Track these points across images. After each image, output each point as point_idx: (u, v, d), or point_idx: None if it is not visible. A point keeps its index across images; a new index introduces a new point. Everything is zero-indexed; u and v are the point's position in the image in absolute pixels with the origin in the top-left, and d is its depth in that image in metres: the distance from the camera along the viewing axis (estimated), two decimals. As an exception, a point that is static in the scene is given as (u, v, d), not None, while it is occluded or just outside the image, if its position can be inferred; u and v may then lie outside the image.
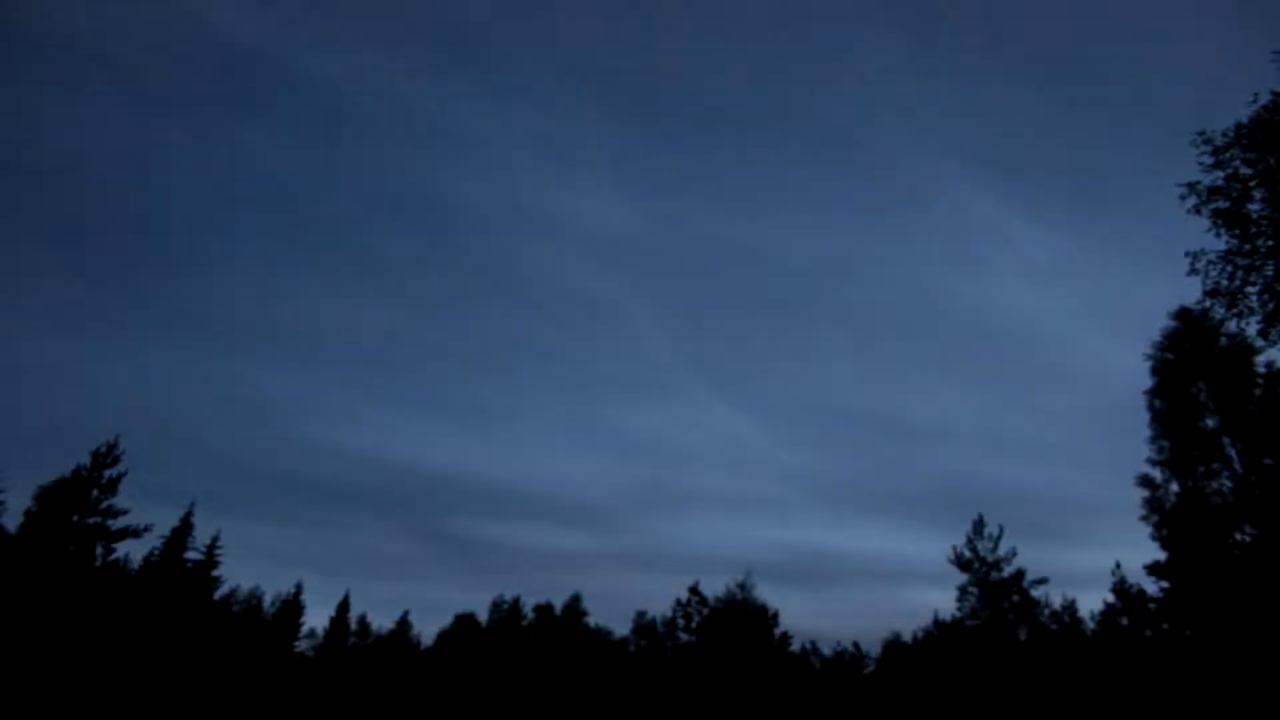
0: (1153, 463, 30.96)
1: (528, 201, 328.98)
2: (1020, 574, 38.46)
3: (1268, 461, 27.57)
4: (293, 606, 55.69)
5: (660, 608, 62.27)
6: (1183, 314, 31.80)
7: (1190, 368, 30.91)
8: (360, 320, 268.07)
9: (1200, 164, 16.37)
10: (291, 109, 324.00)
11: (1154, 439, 31.13)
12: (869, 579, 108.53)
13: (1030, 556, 40.22)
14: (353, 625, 65.04)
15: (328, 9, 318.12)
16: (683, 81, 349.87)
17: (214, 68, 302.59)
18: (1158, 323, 34.63)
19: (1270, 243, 15.62)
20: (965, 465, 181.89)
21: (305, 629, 58.35)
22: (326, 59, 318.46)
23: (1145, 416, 31.85)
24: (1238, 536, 27.96)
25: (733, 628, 49.11)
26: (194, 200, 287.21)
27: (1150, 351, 32.38)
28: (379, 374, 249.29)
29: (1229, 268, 16.07)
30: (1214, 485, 29.06)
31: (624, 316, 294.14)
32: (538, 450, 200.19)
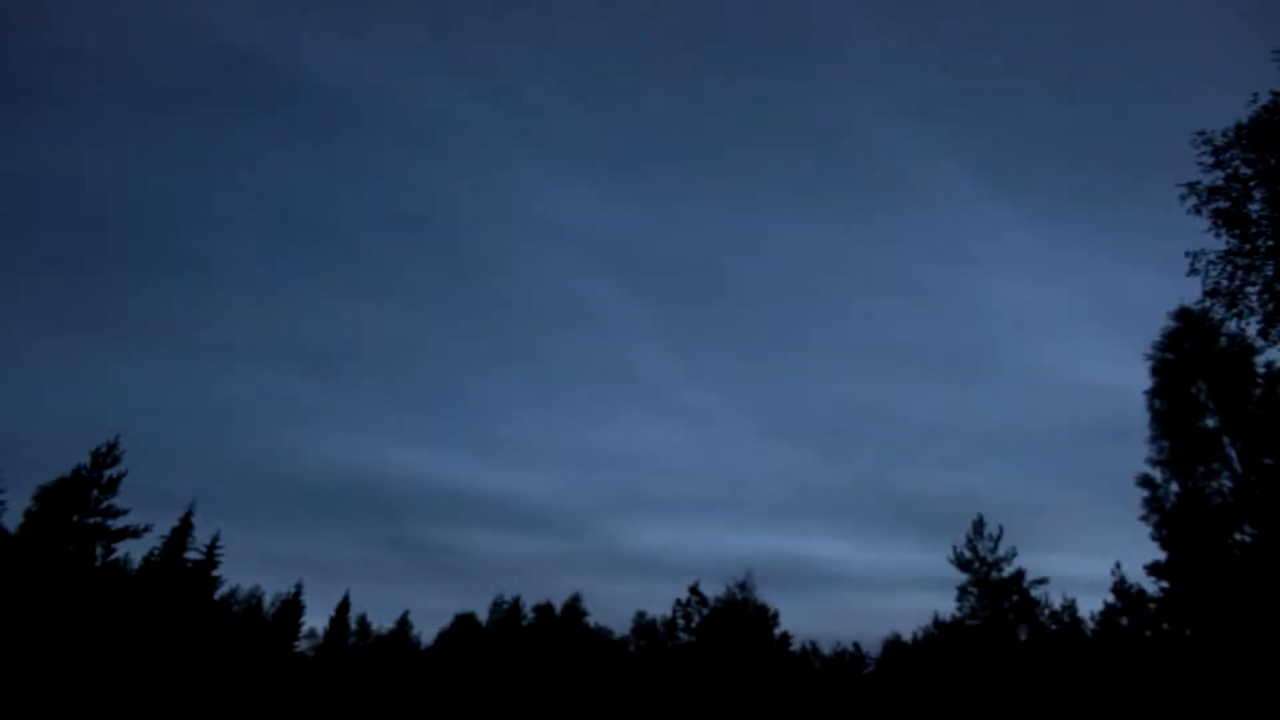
0: (1153, 463, 30.98)
1: (512, 202, 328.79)
2: (1020, 574, 38.49)
3: (1268, 461, 27.57)
4: (293, 606, 55.68)
5: (643, 613, 61.82)
6: (1183, 314, 31.80)
7: (1190, 368, 30.91)
8: (334, 320, 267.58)
9: (1200, 164, 16.36)
10: (276, 106, 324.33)
11: (1154, 439, 31.14)
12: (855, 585, 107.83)
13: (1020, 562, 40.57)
14: (353, 625, 65.06)
15: (322, 11, 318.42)
16: (679, 81, 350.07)
17: (209, 69, 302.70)
18: (1158, 323, 34.67)
19: (1270, 243, 15.61)
20: (957, 468, 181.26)
21: (305, 629, 58.44)
22: (321, 60, 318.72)
23: (1143, 418, 31.92)
24: (1238, 536, 27.95)
25: (733, 628, 49.11)
26: (185, 202, 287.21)
27: (1150, 351, 32.41)
28: (351, 377, 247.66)
29: (1229, 268, 16.06)
30: (1214, 485, 29.06)
31: (612, 319, 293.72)
32: (518, 455, 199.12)
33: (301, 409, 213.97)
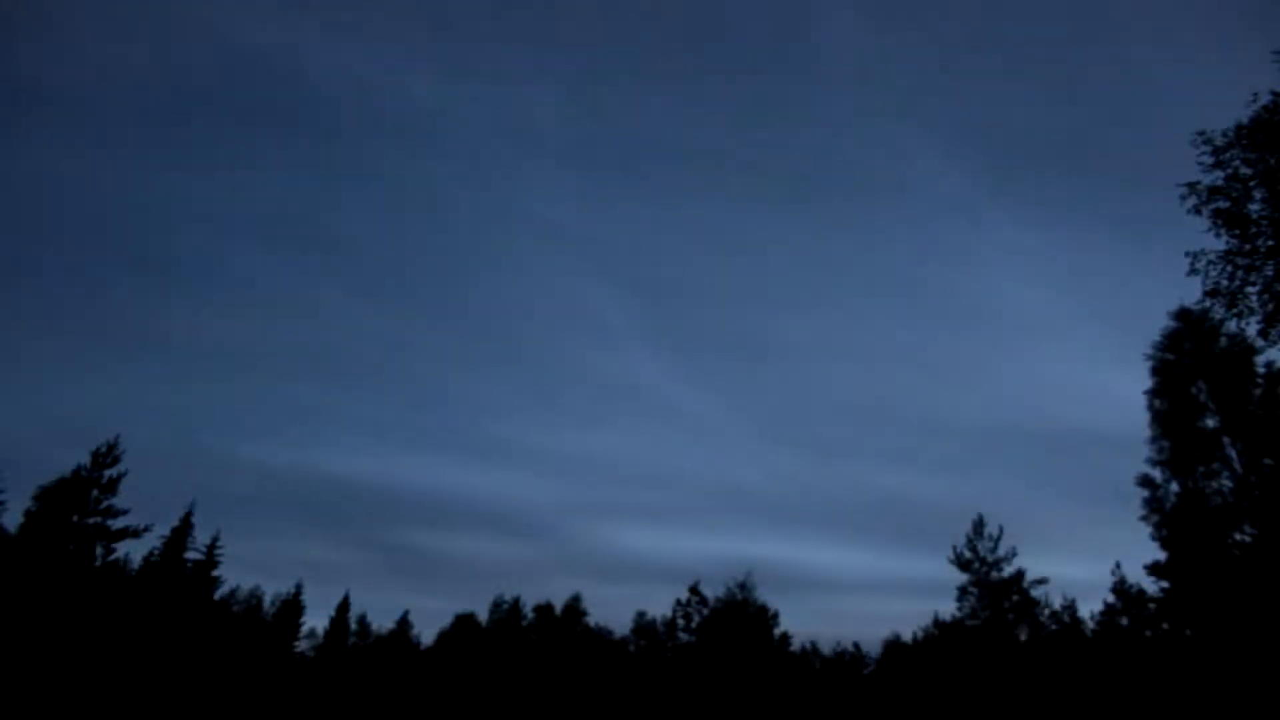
0: (1153, 463, 30.93)
1: (512, 201, 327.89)
2: (1020, 574, 38.49)
3: (1268, 461, 27.55)
4: (293, 606, 55.67)
5: (643, 613, 61.59)
6: (1183, 314, 31.75)
7: (1190, 368, 30.89)
8: (329, 322, 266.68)
9: (1200, 164, 16.33)
10: (274, 107, 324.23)
11: (1154, 439, 31.09)
12: (848, 589, 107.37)
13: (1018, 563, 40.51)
14: (353, 626, 65.04)
15: (321, 12, 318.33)
16: (679, 81, 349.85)
17: (205, 70, 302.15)
18: (1158, 323, 34.64)
19: (1270, 243, 15.60)
20: (955, 470, 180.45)
21: (305, 629, 58.43)
22: (320, 61, 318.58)
23: (1143, 419, 31.90)
24: (1238, 536, 27.94)
25: (733, 628, 49.10)
26: (182, 203, 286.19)
27: (1150, 351, 32.39)
28: (348, 379, 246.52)
29: (1229, 268, 16.02)
30: (1214, 485, 29.03)
31: (609, 320, 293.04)
32: (512, 457, 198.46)
33: (296, 411, 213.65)
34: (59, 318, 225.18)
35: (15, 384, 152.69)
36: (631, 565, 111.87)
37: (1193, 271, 16.45)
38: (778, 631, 51.64)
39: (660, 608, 59.52)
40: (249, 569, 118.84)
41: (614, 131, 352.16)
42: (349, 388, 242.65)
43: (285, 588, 70.20)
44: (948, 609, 49.31)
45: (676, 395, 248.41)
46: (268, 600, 61.27)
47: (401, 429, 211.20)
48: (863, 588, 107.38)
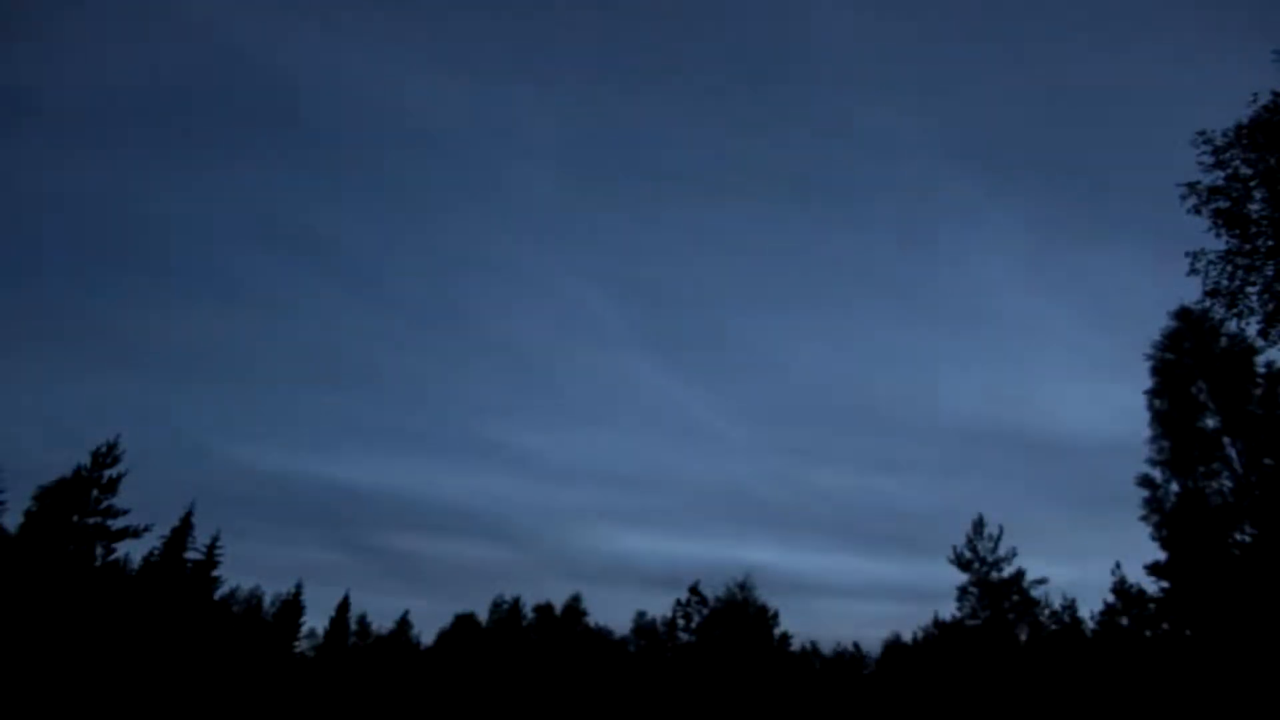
0: (1153, 463, 30.96)
1: (511, 200, 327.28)
2: (1020, 574, 38.52)
3: (1268, 461, 27.57)
4: (293, 606, 55.69)
5: (643, 613, 61.58)
6: (1183, 314, 31.78)
7: (1190, 368, 30.91)
8: (315, 323, 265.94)
9: (1200, 164, 16.37)
10: (269, 109, 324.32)
11: (1154, 439, 31.12)
12: (843, 597, 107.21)
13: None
14: (353, 626, 65.07)
15: (316, 11, 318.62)
16: (678, 82, 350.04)
17: (197, 70, 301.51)
18: (1158, 323, 34.66)
19: (1270, 243, 15.62)
20: (950, 472, 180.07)
21: (305, 629, 58.48)
22: (318, 62, 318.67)
23: (1140, 421, 31.94)
24: (1238, 536, 27.96)
25: (733, 628, 49.14)
26: (175, 208, 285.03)
27: (1150, 351, 32.41)
28: (319, 382, 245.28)
29: (1229, 268, 16.05)
30: (1214, 485, 29.06)
31: (602, 322, 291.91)
32: (504, 460, 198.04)
33: (295, 413, 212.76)
34: (58, 319, 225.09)
35: (15, 385, 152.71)
36: (627, 569, 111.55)
37: (1193, 271, 16.49)
38: (778, 631, 51.74)
39: (657, 611, 59.49)
40: (249, 570, 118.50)
41: (612, 132, 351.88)
42: (346, 390, 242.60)
43: (285, 589, 70.18)
44: (946, 613, 49.45)
45: (674, 397, 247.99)
46: (268, 601, 61.41)
47: (398, 431, 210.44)
48: (860, 593, 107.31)
